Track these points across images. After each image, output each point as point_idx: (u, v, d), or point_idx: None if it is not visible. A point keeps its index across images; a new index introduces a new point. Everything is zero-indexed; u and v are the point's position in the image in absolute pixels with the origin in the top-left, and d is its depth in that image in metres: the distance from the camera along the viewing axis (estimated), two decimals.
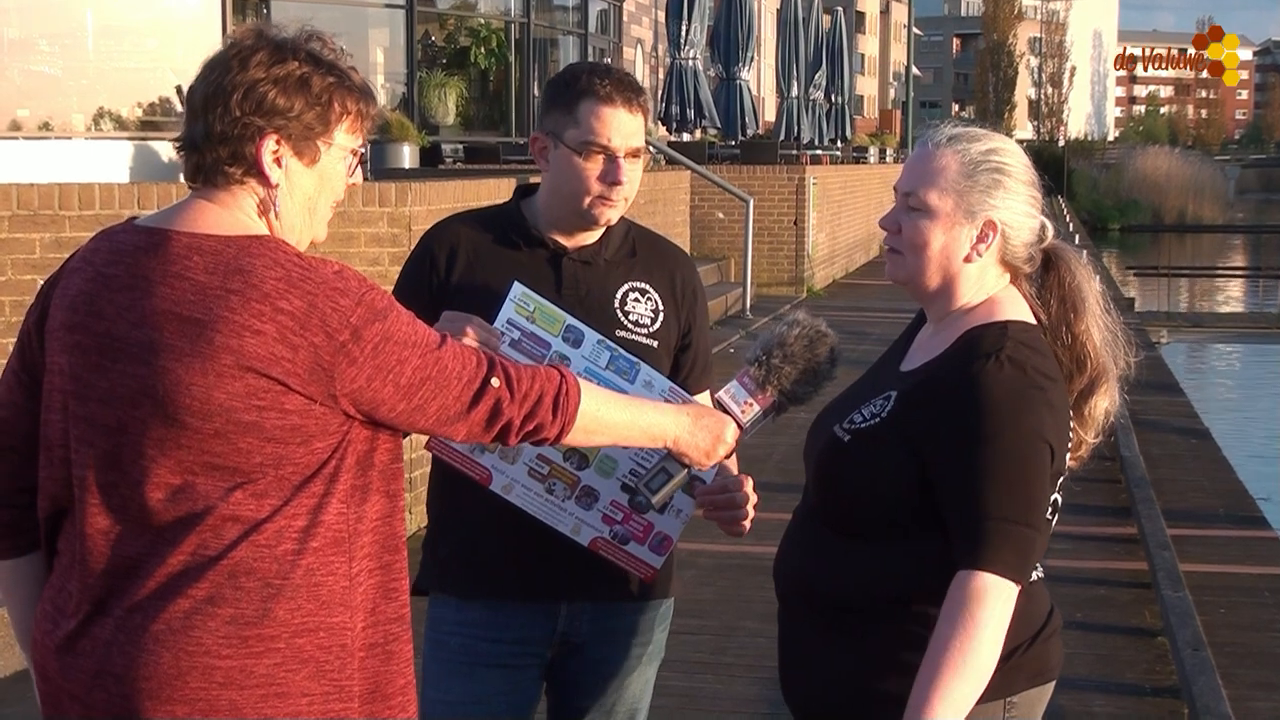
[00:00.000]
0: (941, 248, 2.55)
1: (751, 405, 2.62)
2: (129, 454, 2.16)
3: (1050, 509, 2.50)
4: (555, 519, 2.80)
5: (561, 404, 2.31)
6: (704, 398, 3.09)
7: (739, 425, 2.61)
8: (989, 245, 2.55)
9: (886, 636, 2.45)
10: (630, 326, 2.94)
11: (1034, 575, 2.53)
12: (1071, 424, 2.55)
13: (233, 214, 2.21)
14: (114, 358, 2.17)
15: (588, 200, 2.89)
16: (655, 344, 2.95)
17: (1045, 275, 2.61)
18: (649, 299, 2.98)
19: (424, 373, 2.20)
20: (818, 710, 2.59)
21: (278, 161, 2.21)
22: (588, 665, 3.00)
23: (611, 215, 2.91)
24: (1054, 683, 2.59)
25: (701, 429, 2.54)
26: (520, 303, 2.78)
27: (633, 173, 2.90)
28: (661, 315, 2.98)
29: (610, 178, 2.87)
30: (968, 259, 2.55)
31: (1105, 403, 2.61)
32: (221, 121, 2.18)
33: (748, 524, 2.84)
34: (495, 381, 2.25)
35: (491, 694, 2.95)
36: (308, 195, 2.27)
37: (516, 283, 2.80)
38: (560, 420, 2.31)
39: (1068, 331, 2.58)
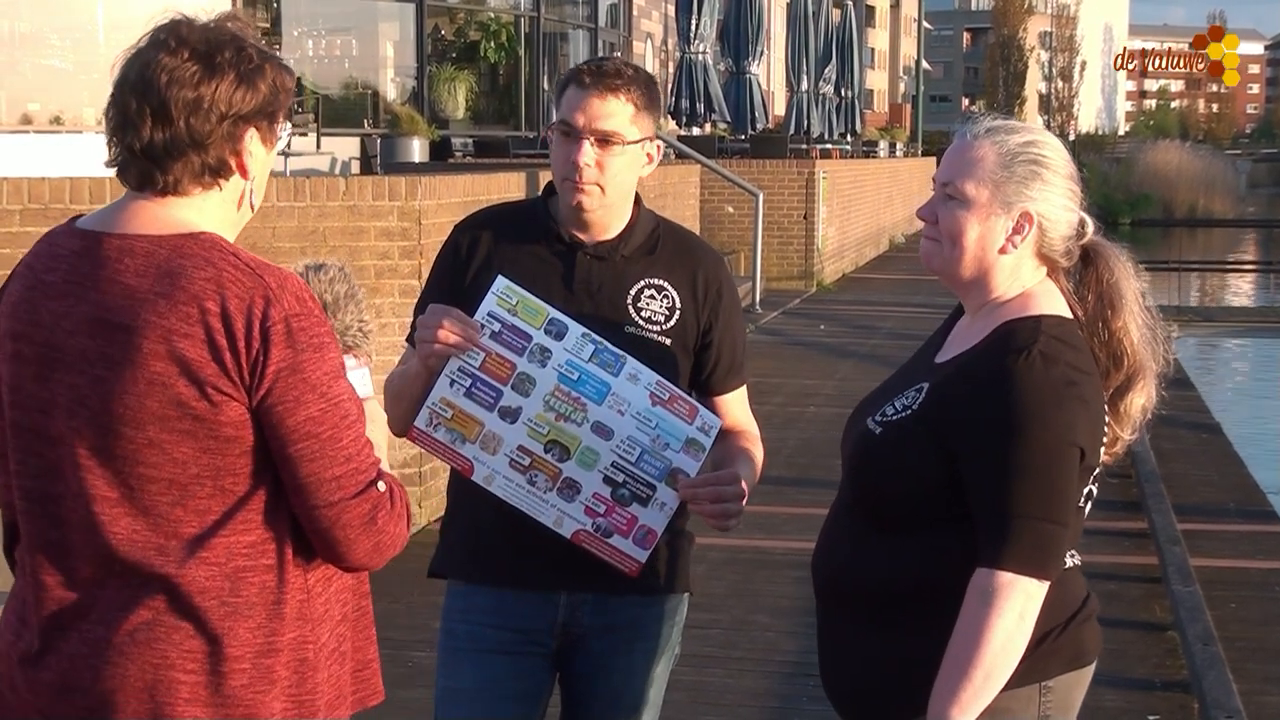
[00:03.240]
0: (977, 238, 2.55)
1: None
2: (69, 466, 2.12)
3: (1085, 499, 2.52)
4: (537, 510, 2.80)
5: (410, 519, 2.26)
6: (740, 394, 3.09)
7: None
8: (1024, 237, 2.54)
9: (921, 628, 2.46)
10: (642, 324, 2.93)
11: (1070, 562, 2.54)
12: (1107, 420, 2.54)
13: (171, 212, 2.16)
14: (53, 367, 2.13)
15: (559, 183, 2.92)
16: (669, 342, 2.94)
17: (1084, 271, 2.61)
18: (665, 296, 2.96)
19: (315, 426, 2.10)
20: (855, 701, 2.61)
21: (250, 153, 2.21)
22: (591, 657, 3.01)
23: (585, 201, 2.90)
24: (1092, 667, 2.59)
25: (378, 431, 2.37)
26: (502, 295, 2.79)
27: (606, 159, 2.88)
28: (678, 313, 2.96)
29: (569, 157, 2.87)
30: (1003, 250, 2.55)
31: (1142, 400, 2.60)
32: (208, 123, 2.14)
33: (732, 521, 2.83)
34: (381, 486, 2.17)
35: (499, 680, 2.97)
36: (263, 179, 2.28)
37: (500, 276, 2.82)
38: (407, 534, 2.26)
39: (1104, 328, 2.57)
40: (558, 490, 2.79)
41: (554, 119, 2.93)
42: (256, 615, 2.12)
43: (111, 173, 2.23)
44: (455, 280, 2.95)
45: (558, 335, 2.79)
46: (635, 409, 2.80)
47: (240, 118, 2.16)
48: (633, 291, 2.95)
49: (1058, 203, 2.55)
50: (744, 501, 2.84)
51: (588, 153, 2.86)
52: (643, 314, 2.94)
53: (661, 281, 2.97)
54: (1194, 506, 8.07)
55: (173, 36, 2.16)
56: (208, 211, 2.19)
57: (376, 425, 2.35)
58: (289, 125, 2.32)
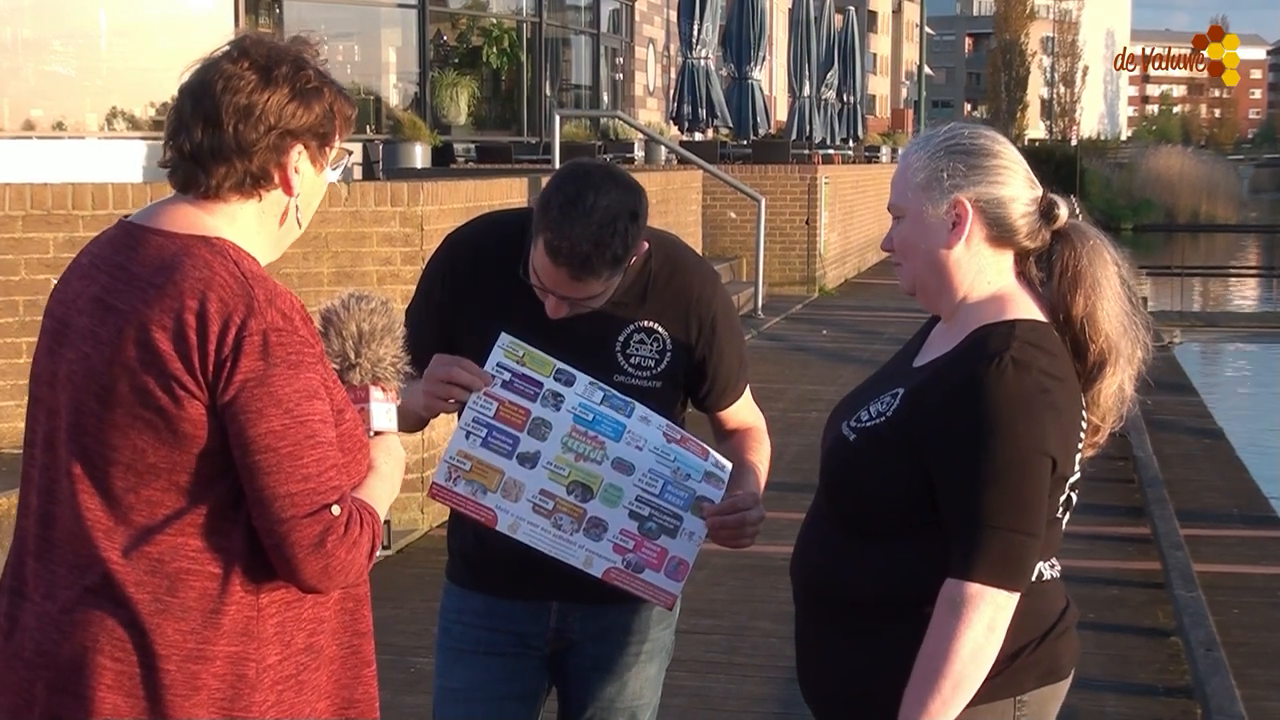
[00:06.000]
0: (921, 241, 2.52)
1: (365, 410, 2.41)
2: (58, 437, 2.19)
3: (1063, 508, 2.49)
4: (566, 553, 2.79)
5: (374, 549, 2.23)
6: (740, 403, 3.06)
7: (371, 434, 2.40)
8: (966, 227, 2.50)
9: (897, 635, 2.44)
10: (630, 371, 2.90)
11: (1049, 574, 2.52)
12: (1085, 414, 2.51)
13: (202, 215, 2.21)
14: (61, 342, 2.21)
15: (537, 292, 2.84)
16: (659, 385, 2.91)
17: (1053, 255, 2.54)
18: (655, 339, 2.92)
19: (276, 440, 2.11)
20: (832, 707, 2.60)
21: (295, 170, 2.24)
22: (586, 661, 3.02)
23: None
24: (1068, 680, 2.57)
25: (396, 465, 2.40)
26: (509, 349, 2.79)
27: (589, 301, 2.80)
28: (668, 355, 2.92)
29: (548, 309, 2.81)
30: (949, 245, 2.50)
31: (1114, 386, 2.53)
32: (255, 132, 2.18)
33: (748, 542, 2.85)
34: (336, 510, 2.14)
35: (492, 680, 2.98)
36: (310, 201, 2.31)
37: (504, 333, 2.80)
38: (368, 565, 2.24)
39: (1066, 311, 2.51)
40: (584, 530, 2.79)
41: (534, 230, 2.78)
42: (190, 620, 2.13)
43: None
44: (440, 306, 2.92)
45: (567, 382, 2.79)
46: (652, 445, 2.80)
47: (289, 132, 2.21)
48: (621, 338, 2.91)
49: (991, 181, 2.49)
50: (762, 522, 2.84)
51: (563, 309, 2.80)
52: (632, 360, 2.91)
53: (652, 324, 2.92)
54: (1197, 512, 8.06)
55: (237, 48, 2.23)
56: (241, 221, 2.23)
57: (393, 459, 2.37)
58: (348, 154, 2.36)
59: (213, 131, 2.18)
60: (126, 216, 2.30)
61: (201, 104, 2.19)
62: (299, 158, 2.23)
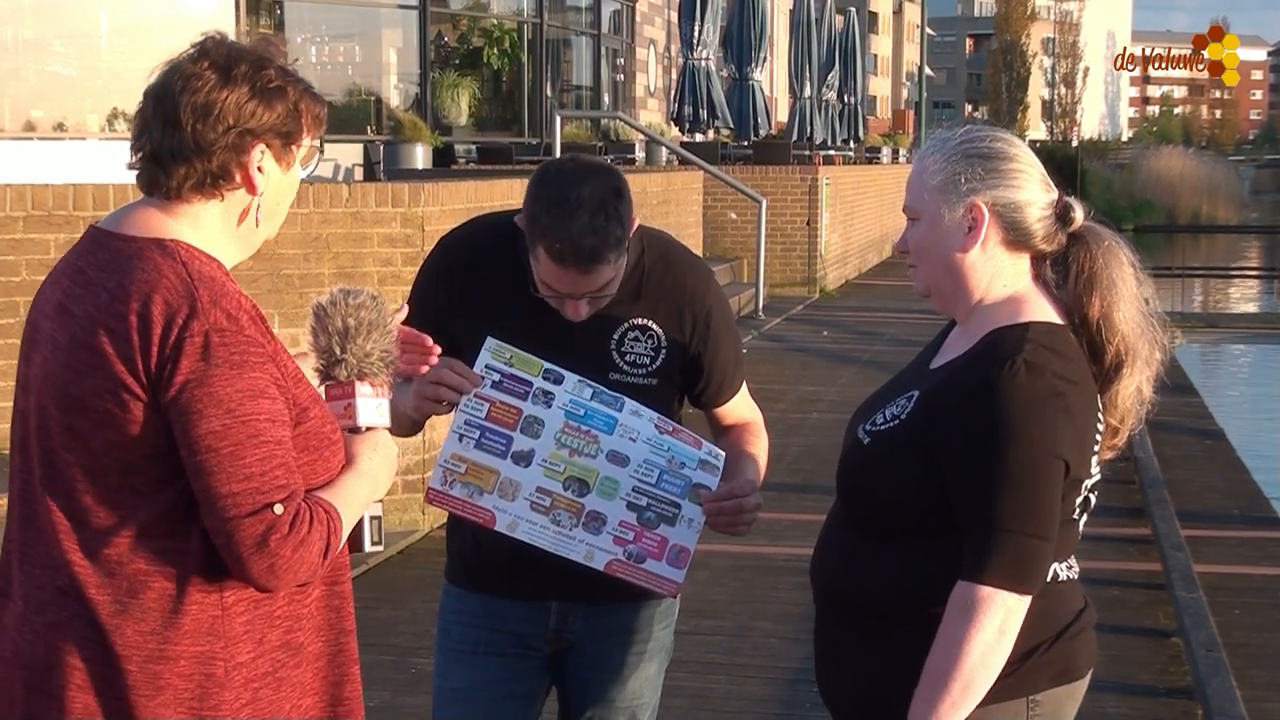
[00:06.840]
0: (936, 245, 2.52)
1: (351, 405, 2.38)
2: (30, 440, 2.21)
3: (1080, 509, 2.49)
4: (566, 548, 2.80)
5: (330, 548, 2.20)
6: (737, 398, 3.07)
7: (358, 430, 2.37)
8: (982, 231, 2.49)
9: (910, 638, 2.44)
10: (626, 369, 2.90)
11: (1065, 574, 2.52)
12: (1101, 420, 2.50)
13: (164, 218, 2.22)
14: (32, 346, 2.24)
15: (549, 301, 2.84)
16: (654, 382, 2.92)
17: (1069, 258, 2.53)
18: (650, 336, 2.92)
19: (217, 441, 2.11)
20: (847, 709, 2.60)
21: (259, 169, 2.24)
22: (586, 662, 3.03)
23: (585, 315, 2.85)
24: (1084, 681, 2.56)
25: (383, 462, 2.37)
26: (495, 351, 2.81)
27: (604, 291, 2.81)
28: (664, 352, 2.93)
29: (569, 313, 2.82)
30: (965, 249, 2.50)
31: (1131, 388, 2.52)
32: (214, 131, 2.18)
33: (746, 529, 2.85)
34: (279, 509, 2.12)
35: (492, 681, 2.99)
36: (278, 200, 2.31)
37: (490, 338, 2.81)
38: (323, 563, 2.21)
39: (1082, 313, 2.51)
40: (583, 525, 2.79)
41: (527, 240, 2.78)
42: (149, 621, 2.14)
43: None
44: (437, 309, 2.92)
45: (556, 380, 2.80)
46: (645, 436, 2.81)
47: (248, 131, 2.21)
48: (616, 336, 2.91)
49: (1008, 185, 2.49)
50: (759, 509, 2.85)
51: (584, 309, 2.82)
52: (627, 358, 2.91)
53: (645, 322, 2.92)
54: (1198, 512, 8.06)
55: (198, 49, 2.23)
56: (204, 222, 2.23)
57: (380, 455, 2.35)
58: (319, 152, 2.35)
59: (172, 132, 2.18)
60: (96, 222, 2.30)
61: (162, 105, 2.20)
62: (262, 156, 2.23)
